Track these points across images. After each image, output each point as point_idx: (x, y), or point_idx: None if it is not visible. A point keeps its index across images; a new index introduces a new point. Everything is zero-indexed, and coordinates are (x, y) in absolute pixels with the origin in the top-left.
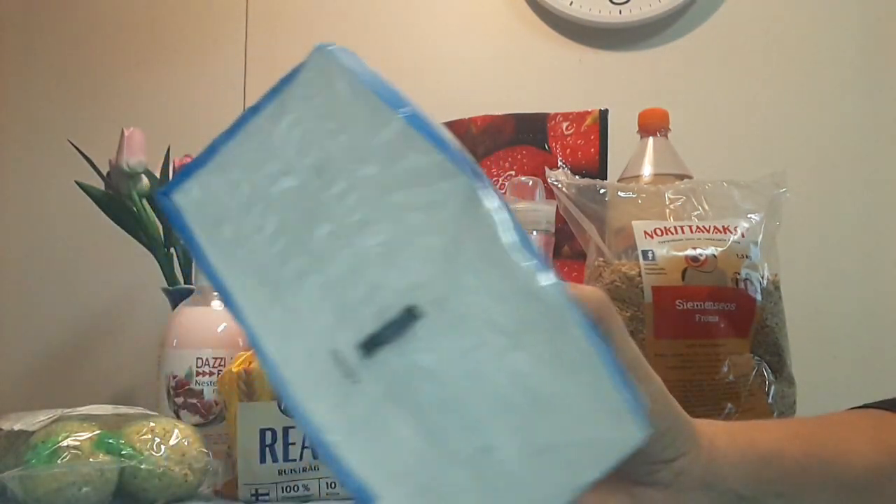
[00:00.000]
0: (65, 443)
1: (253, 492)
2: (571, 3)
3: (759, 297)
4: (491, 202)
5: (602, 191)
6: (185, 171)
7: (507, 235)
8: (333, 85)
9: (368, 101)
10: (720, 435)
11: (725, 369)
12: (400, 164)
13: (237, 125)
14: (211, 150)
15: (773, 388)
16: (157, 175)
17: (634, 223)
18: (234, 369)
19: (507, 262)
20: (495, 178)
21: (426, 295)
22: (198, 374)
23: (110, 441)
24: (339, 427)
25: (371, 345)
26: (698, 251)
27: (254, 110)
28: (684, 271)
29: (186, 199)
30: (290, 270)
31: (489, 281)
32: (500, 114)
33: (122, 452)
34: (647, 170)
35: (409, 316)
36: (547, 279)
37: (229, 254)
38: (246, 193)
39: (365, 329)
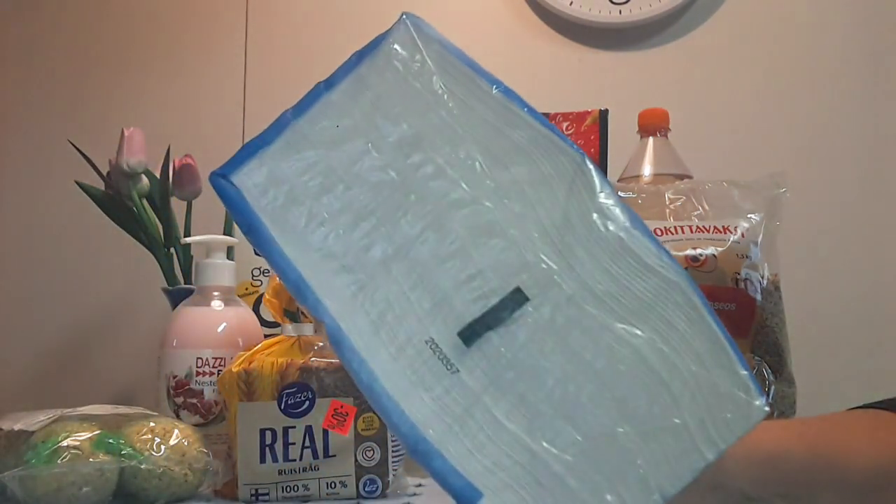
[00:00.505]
0: (65, 443)
1: (253, 492)
2: (571, 3)
3: (759, 297)
4: (598, 178)
5: None
6: (247, 151)
7: (621, 212)
8: (421, 58)
9: (461, 75)
10: None
11: None
12: (500, 141)
13: (308, 101)
14: (277, 128)
15: (773, 388)
16: (157, 175)
17: None
18: (234, 369)
19: (622, 239)
20: None
21: (534, 276)
22: (198, 374)
23: (110, 441)
24: (439, 422)
25: (473, 332)
26: (698, 251)
27: (328, 85)
28: None
29: (249, 180)
30: (376, 256)
31: (602, 259)
32: None
33: (122, 452)
34: (647, 170)
35: (515, 299)
36: (667, 256)
37: (303, 240)
38: (322, 174)
39: (465, 316)
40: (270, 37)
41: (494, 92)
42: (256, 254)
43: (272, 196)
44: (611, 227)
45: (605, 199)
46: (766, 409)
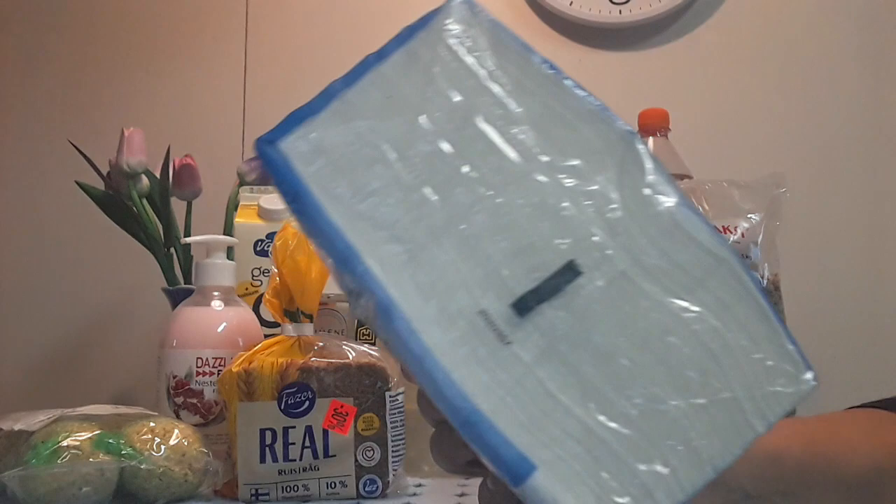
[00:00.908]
0: (65, 443)
1: (253, 492)
2: (571, 3)
3: None
4: (648, 155)
5: None
6: (294, 119)
7: (672, 189)
8: (474, 35)
9: (513, 53)
10: None
11: None
12: (552, 118)
13: (357, 72)
14: (326, 97)
15: None
16: (157, 175)
17: None
18: (234, 369)
19: (673, 216)
20: None
21: (586, 250)
22: (198, 374)
23: (110, 441)
24: (491, 395)
25: (526, 304)
26: None
27: (378, 56)
28: None
29: (295, 148)
30: (427, 226)
31: (653, 234)
32: None
33: (122, 452)
34: None
35: (568, 272)
36: (716, 233)
37: (351, 209)
38: (371, 144)
39: (517, 288)
40: (270, 37)
41: (546, 70)
42: (257, 253)
43: (320, 164)
44: (662, 204)
45: (655, 175)
46: (815, 382)
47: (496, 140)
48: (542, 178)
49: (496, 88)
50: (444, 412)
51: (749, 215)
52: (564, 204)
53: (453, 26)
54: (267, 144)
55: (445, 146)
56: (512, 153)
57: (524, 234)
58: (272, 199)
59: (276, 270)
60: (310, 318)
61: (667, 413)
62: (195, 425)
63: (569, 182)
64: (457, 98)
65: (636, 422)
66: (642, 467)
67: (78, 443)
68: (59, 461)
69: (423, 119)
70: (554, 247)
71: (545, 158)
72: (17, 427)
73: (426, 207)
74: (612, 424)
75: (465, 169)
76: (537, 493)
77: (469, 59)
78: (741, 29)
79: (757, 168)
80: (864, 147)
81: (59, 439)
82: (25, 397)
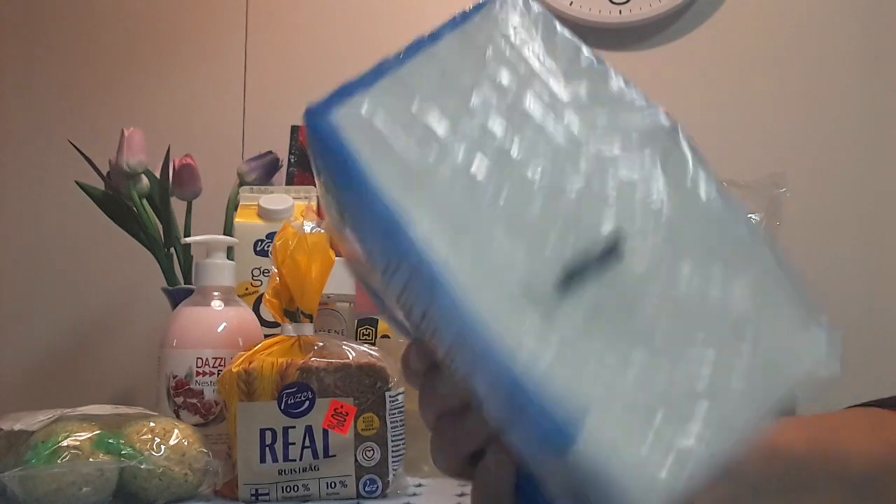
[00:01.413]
0: (65, 443)
1: (253, 492)
2: (571, 3)
3: None
4: (689, 145)
5: None
6: (345, 91)
7: (711, 179)
8: (528, 25)
9: (566, 47)
10: None
11: None
12: (599, 109)
13: (410, 51)
14: (378, 73)
15: None
16: (157, 175)
17: None
18: (234, 369)
19: (713, 203)
20: None
21: (633, 226)
22: (198, 374)
23: (110, 441)
24: (537, 362)
25: (571, 276)
26: None
27: (431, 38)
28: None
29: (345, 120)
30: (474, 204)
31: (693, 222)
32: None
33: (122, 452)
34: None
35: (610, 254)
36: (749, 222)
37: (398, 184)
38: (421, 123)
39: (564, 259)
40: (270, 37)
41: (595, 64)
42: (257, 253)
43: (369, 138)
44: (701, 193)
45: (696, 165)
46: (840, 365)
47: (544, 125)
48: (587, 163)
49: (546, 76)
50: (489, 379)
51: (749, 215)
52: (609, 189)
53: (507, 15)
54: (316, 115)
55: (496, 128)
56: (559, 138)
57: (569, 215)
58: (272, 199)
59: (276, 270)
60: (310, 318)
61: (703, 380)
62: (195, 425)
63: (615, 168)
64: (508, 83)
65: (674, 389)
66: (675, 433)
67: (78, 443)
68: (58, 461)
69: (474, 100)
70: (598, 229)
71: (591, 145)
72: (17, 427)
73: (474, 186)
74: (653, 392)
75: (514, 151)
76: (586, 455)
77: (522, 47)
78: (741, 29)
79: (757, 168)
80: (863, 147)
81: (59, 439)
82: (25, 397)
